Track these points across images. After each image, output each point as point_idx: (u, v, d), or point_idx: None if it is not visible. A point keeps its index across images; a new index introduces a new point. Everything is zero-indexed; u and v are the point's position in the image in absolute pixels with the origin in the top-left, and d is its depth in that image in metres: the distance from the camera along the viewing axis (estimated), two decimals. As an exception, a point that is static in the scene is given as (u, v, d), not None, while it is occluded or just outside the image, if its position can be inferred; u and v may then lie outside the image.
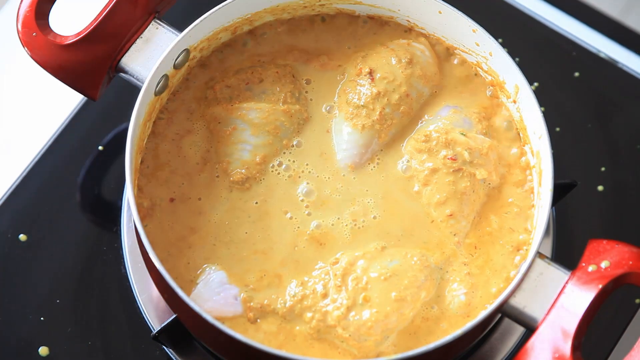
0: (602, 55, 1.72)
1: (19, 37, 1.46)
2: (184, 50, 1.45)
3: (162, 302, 1.50)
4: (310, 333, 1.35)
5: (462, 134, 1.44)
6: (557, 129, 1.66)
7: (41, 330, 1.51)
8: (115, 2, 1.45)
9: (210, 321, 1.28)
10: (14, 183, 1.60)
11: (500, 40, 1.66)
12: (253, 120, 1.45)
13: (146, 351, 1.51)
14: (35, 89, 1.68)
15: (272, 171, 1.45)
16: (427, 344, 1.29)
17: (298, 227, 1.41)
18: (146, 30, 1.47)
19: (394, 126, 1.47)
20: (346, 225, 1.41)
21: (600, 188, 1.63)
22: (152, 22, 1.47)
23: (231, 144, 1.45)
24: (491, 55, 1.46)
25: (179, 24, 1.48)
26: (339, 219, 1.42)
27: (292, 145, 1.46)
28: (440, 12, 1.47)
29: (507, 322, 1.50)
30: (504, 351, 1.50)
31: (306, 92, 1.50)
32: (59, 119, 1.64)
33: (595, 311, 1.29)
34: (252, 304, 1.36)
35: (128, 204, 1.57)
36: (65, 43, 1.44)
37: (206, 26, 1.46)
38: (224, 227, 1.41)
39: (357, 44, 1.53)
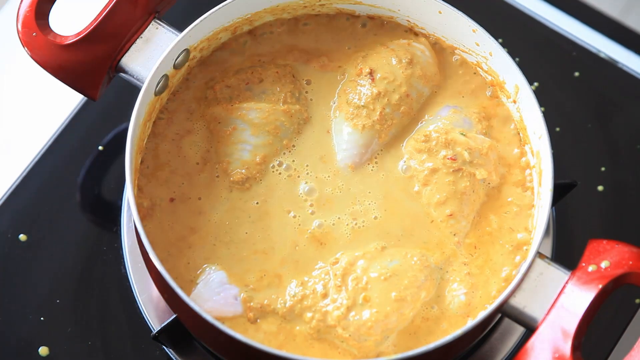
0: (602, 55, 1.72)
1: (19, 37, 1.46)
2: (184, 50, 1.45)
3: (162, 302, 1.50)
4: (310, 333, 1.35)
5: (462, 134, 1.44)
6: (557, 129, 1.66)
7: (41, 330, 1.51)
8: (115, 2, 1.45)
9: (210, 321, 1.28)
10: (14, 183, 1.60)
11: (500, 40, 1.66)
12: (253, 120, 1.45)
13: (146, 351, 1.51)
14: (35, 89, 1.68)
15: (272, 171, 1.45)
16: (427, 344, 1.29)
17: (299, 225, 1.41)
18: (146, 30, 1.47)
19: (394, 126, 1.47)
20: (346, 225, 1.41)
21: (600, 188, 1.63)
22: (152, 22, 1.47)
23: (231, 144, 1.45)
24: (491, 55, 1.46)
25: (179, 24, 1.48)
26: (339, 218, 1.42)
27: (292, 145, 1.46)
28: (440, 12, 1.47)
29: (507, 322, 1.50)
30: (504, 351, 1.50)
31: (306, 92, 1.50)
32: (59, 119, 1.64)
33: (595, 311, 1.29)
34: (252, 304, 1.36)
35: (128, 204, 1.57)
36: (65, 43, 1.44)
37: (206, 26, 1.46)
38: (224, 227, 1.41)
39: (357, 44, 1.53)
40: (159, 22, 1.47)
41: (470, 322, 1.31)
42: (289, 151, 1.46)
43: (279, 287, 1.37)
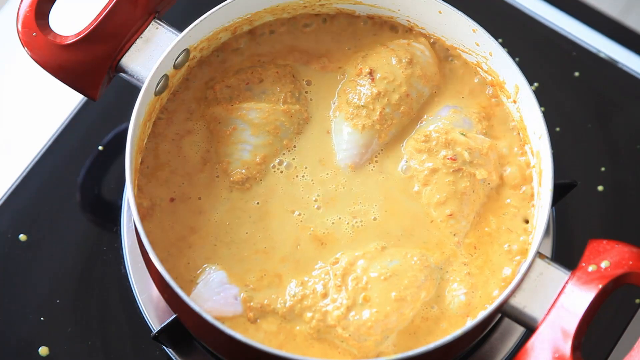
0: (602, 55, 1.72)
1: (19, 37, 1.46)
2: (184, 50, 1.45)
3: (162, 302, 1.50)
4: (310, 333, 1.35)
5: (462, 134, 1.44)
6: (557, 129, 1.66)
7: (41, 330, 1.51)
8: (115, 2, 1.45)
9: (210, 321, 1.28)
10: (14, 183, 1.60)
11: (500, 40, 1.66)
12: (253, 120, 1.45)
13: (146, 351, 1.51)
14: (35, 89, 1.68)
15: (272, 171, 1.45)
16: (427, 344, 1.29)
17: (300, 223, 1.41)
18: (146, 30, 1.47)
19: (394, 126, 1.47)
20: (346, 224, 1.41)
21: (600, 188, 1.63)
22: (152, 22, 1.47)
23: (231, 144, 1.45)
24: (491, 55, 1.46)
25: (179, 24, 1.48)
26: (339, 218, 1.42)
27: (292, 146, 1.46)
28: (440, 12, 1.47)
29: (507, 322, 1.50)
30: (504, 351, 1.50)
31: (306, 92, 1.50)
32: (59, 119, 1.64)
33: (595, 311, 1.29)
34: (252, 303, 1.36)
35: (128, 204, 1.57)
36: (65, 43, 1.44)
37: (206, 26, 1.46)
38: (225, 227, 1.41)
39: (357, 44, 1.53)
40: (159, 22, 1.47)
41: (470, 322, 1.31)
42: (289, 151, 1.46)
43: (279, 287, 1.37)
